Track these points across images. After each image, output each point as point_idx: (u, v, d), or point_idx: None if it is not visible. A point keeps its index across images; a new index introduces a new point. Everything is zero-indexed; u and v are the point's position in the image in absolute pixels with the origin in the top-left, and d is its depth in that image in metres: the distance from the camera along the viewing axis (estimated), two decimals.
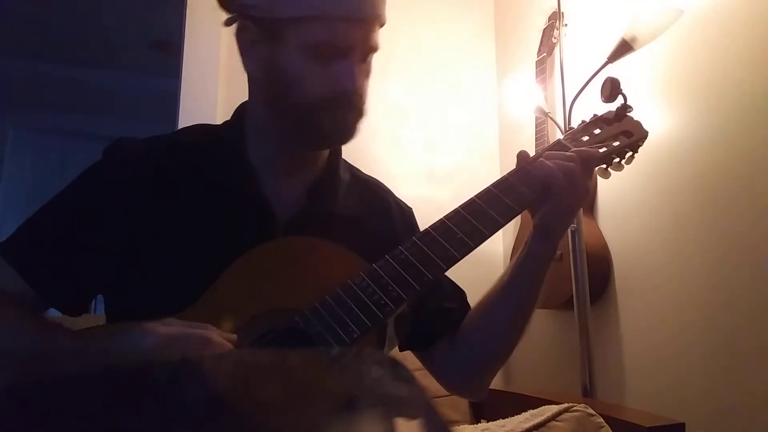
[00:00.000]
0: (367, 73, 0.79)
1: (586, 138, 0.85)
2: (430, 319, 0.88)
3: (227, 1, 0.78)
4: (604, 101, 0.93)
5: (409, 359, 0.98)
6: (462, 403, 1.53)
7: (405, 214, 0.95)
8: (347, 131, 0.78)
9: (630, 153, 0.86)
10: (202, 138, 0.85)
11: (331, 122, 0.76)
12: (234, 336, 0.63)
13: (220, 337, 0.61)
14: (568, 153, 0.78)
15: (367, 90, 0.79)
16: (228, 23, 0.79)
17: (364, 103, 0.78)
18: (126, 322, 0.64)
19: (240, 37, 0.78)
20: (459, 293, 0.93)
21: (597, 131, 0.86)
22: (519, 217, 1.75)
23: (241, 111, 0.86)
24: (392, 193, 0.96)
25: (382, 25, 0.77)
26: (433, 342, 0.89)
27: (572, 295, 1.42)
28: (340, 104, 0.75)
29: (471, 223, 0.73)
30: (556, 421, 0.96)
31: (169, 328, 0.60)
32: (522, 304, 0.83)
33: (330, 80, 0.73)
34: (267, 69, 0.76)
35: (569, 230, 1.39)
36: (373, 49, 0.77)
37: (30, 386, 0.29)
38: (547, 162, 0.77)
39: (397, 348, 0.87)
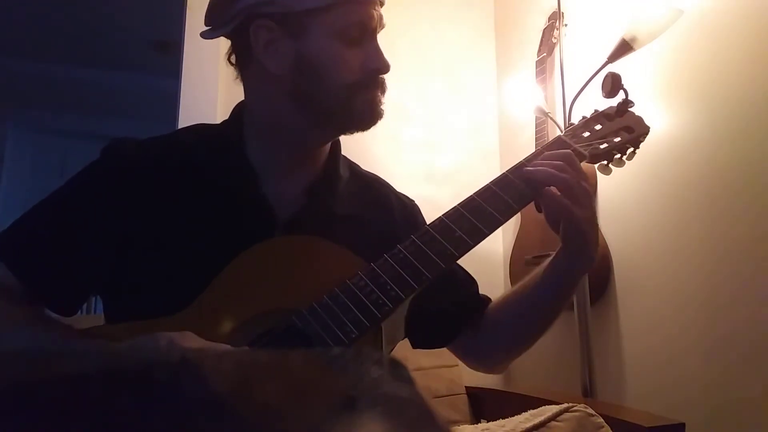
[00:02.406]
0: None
1: (586, 134, 0.85)
2: (449, 315, 0.89)
3: (222, 11, 0.77)
4: (605, 97, 0.93)
5: (410, 359, 0.98)
6: (462, 403, 1.53)
7: (407, 208, 0.95)
8: (379, 112, 0.80)
9: (631, 149, 0.85)
10: (200, 138, 0.85)
11: (366, 104, 0.78)
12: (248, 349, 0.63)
13: None
14: (557, 162, 0.76)
15: None
16: (231, 35, 0.79)
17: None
18: (148, 322, 0.64)
19: (255, 38, 0.76)
20: (473, 284, 0.94)
21: (598, 127, 0.85)
22: (519, 216, 1.75)
23: (239, 111, 0.86)
24: (393, 188, 0.96)
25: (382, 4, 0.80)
26: (454, 337, 0.90)
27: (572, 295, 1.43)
28: (373, 84, 0.77)
29: (470, 221, 0.73)
30: (556, 421, 0.96)
31: (185, 340, 0.59)
32: (550, 309, 0.84)
33: (361, 62, 0.76)
34: (294, 62, 0.76)
35: None
36: (383, 25, 0.80)
37: (30, 386, 0.29)
38: (543, 186, 0.75)
39: (397, 347, 0.87)
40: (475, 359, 0.93)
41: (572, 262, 0.78)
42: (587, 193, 0.75)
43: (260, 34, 0.76)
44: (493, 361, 0.95)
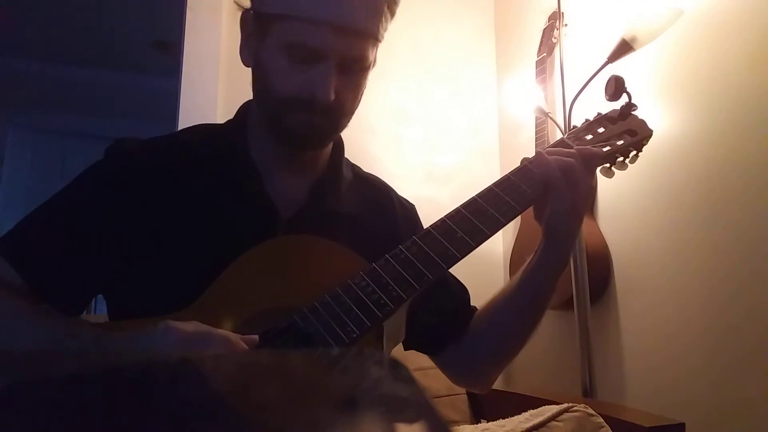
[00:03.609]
0: (353, 87, 0.77)
1: (589, 137, 0.85)
2: (441, 322, 0.88)
3: None
4: (608, 99, 0.93)
5: (410, 359, 0.98)
6: (462, 403, 1.53)
7: (407, 211, 0.95)
8: (315, 137, 0.78)
9: (634, 152, 0.85)
10: (204, 137, 0.85)
11: (298, 124, 0.75)
12: (255, 337, 0.63)
13: (240, 340, 0.61)
14: (568, 150, 0.78)
15: (352, 103, 0.78)
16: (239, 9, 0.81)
17: (343, 115, 0.78)
18: (152, 318, 0.64)
19: (241, 26, 0.80)
20: (465, 293, 0.93)
21: (601, 130, 0.86)
22: (519, 217, 1.75)
23: (244, 109, 0.86)
24: (394, 190, 0.96)
25: (376, 41, 0.76)
26: (444, 346, 0.89)
27: (572, 295, 1.42)
28: (308, 108, 0.74)
29: (472, 222, 0.73)
30: (556, 421, 0.96)
31: (193, 326, 0.59)
32: (531, 311, 0.83)
33: (301, 83, 0.73)
34: (254, 61, 0.78)
35: None
36: (358, 61, 0.75)
37: (30, 386, 0.29)
38: (546, 156, 0.76)
39: (398, 347, 0.87)
40: (455, 371, 0.92)
41: (548, 255, 0.78)
42: (586, 183, 0.75)
43: (243, 26, 0.80)
44: (472, 374, 0.92)
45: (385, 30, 0.78)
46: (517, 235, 1.74)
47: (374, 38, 0.76)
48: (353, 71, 0.76)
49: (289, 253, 0.74)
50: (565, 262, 0.80)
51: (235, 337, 0.61)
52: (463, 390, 1.54)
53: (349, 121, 0.80)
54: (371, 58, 0.77)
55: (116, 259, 0.74)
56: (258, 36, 0.76)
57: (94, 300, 0.81)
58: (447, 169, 1.98)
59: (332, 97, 0.73)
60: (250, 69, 0.81)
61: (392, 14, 0.78)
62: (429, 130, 2.00)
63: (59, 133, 3.61)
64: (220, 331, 0.61)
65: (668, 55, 1.36)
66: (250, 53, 0.79)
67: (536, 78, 1.69)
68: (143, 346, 0.59)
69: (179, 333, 0.58)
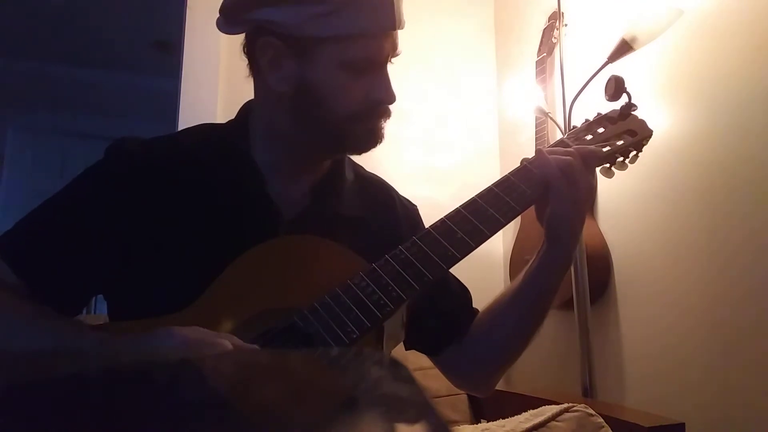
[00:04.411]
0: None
1: (589, 137, 0.85)
2: (441, 323, 0.88)
3: (233, 15, 0.77)
4: (608, 100, 0.93)
5: (410, 359, 0.98)
6: (462, 403, 1.53)
7: (409, 212, 0.95)
8: (380, 137, 0.80)
9: (634, 152, 0.85)
10: (205, 137, 0.85)
11: (366, 132, 0.78)
12: (255, 347, 0.63)
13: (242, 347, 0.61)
14: (566, 149, 0.78)
15: None
16: (245, 38, 0.80)
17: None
18: (152, 318, 0.64)
19: (261, 52, 0.76)
20: (466, 294, 0.93)
21: (601, 130, 0.86)
22: (519, 217, 1.75)
23: (245, 111, 0.86)
24: (396, 191, 0.96)
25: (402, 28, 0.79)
26: (444, 347, 0.89)
27: (572, 295, 1.42)
28: (375, 114, 0.77)
29: (472, 222, 0.73)
30: (556, 421, 0.96)
31: (195, 332, 0.60)
32: (533, 313, 0.82)
33: (366, 93, 0.75)
34: (296, 84, 0.75)
35: None
36: (398, 53, 0.80)
37: (29, 386, 0.29)
38: (546, 156, 0.77)
39: (399, 347, 0.87)
40: (455, 373, 0.92)
41: (550, 255, 0.78)
42: (586, 182, 0.75)
43: (266, 51, 0.76)
44: (473, 376, 0.92)
45: None
46: (517, 235, 1.74)
47: (403, 26, 0.79)
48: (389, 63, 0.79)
49: (289, 254, 0.74)
50: (567, 263, 0.80)
51: (237, 342, 0.61)
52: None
53: None
54: None
55: (116, 259, 0.73)
56: (296, 58, 0.74)
57: (94, 300, 0.81)
58: (447, 169, 1.98)
59: (395, 96, 0.77)
60: (251, 76, 0.81)
61: None
62: (429, 130, 2.00)
63: (59, 133, 3.62)
64: (223, 335, 0.60)
65: (668, 55, 1.36)
66: (285, 77, 0.76)
67: (536, 78, 1.69)
68: (145, 349, 0.59)
69: (181, 337, 0.58)
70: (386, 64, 0.77)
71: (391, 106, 0.80)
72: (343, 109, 0.75)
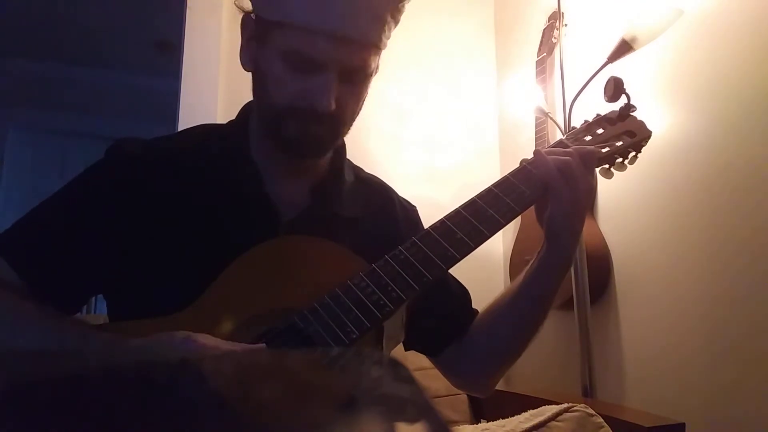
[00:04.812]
0: (354, 95, 0.76)
1: (588, 138, 0.85)
2: (441, 324, 0.88)
3: None
4: (607, 101, 0.93)
5: (410, 359, 0.98)
6: (462, 403, 1.53)
7: (408, 212, 0.95)
8: (314, 146, 0.77)
9: (633, 153, 0.85)
10: (205, 137, 0.85)
11: (296, 133, 0.75)
12: (262, 346, 0.63)
13: None
14: (565, 149, 0.78)
15: (353, 112, 0.78)
16: (241, 12, 0.80)
17: (343, 124, 0.77)
18: (152, 319, 0.64)
19: (241, 29, 0.80)
20: (466, 294, 0.93)
21: (600, 131, 0.86)
22: (519, 218, 1.75)
23: (246, 110, 0.86)
24: (396, 192, 0.96)
25: (378, 50, 0.76)
26: (444, 348, 0.89)
27: (572, 295, 1.43)
28: (307, 117, 0.73)
29: (471, 223, 0.73)
30: (556, 421, 0.96)
31: (211, 340, 0.59)
32: (533, 314, 0.82)
33: (299, 92, 0.73)
34: (255, 66, 0.78)
35: None
36: (360, 70, 0.74)
37: (30, 386, 0.29)
38: (544, 156, 0.77)
39: (398, 347, 0.87)
40: (455, 374, 0.92)
41: (550, 256, 0.77)
42: (585, 182, 0.75)
43: (244, 29, 0.79)
44: (473, 377, 0.92)
45: (388, 38, 0.76)
46: (517, 235, 1.74)
47: (376, 47, 0.75)
48: (354, 80, 0.75)
49: (288, 254, 0.74)
50: (567, 264, 0.79)
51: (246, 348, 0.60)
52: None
53: (349, 129, 0.80)
54: (373, 66, 0.76)
55: (116, 258, 0.74)
56: (258, 41, 0.76)
57: (94, 299, 0.81)
58: (447, 169, 1.98)
59: (332, 107, 0.72)
60: (250, 72, 0.81)
61: (396, 22, 0.77)
62: (429, 130, 2.00)
63: (59, 133, 3.61)
64: (237, 345, 0.60)
65: (668, 55, 1.36)
66: (250, 57, 0.78)
67: (536, 78, 1.69)
68: (159, 353, 0.59)
69: (197, 345, 0.58)
70: (328, 71, 0.71)
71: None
72: (274, 100, 0.74)
